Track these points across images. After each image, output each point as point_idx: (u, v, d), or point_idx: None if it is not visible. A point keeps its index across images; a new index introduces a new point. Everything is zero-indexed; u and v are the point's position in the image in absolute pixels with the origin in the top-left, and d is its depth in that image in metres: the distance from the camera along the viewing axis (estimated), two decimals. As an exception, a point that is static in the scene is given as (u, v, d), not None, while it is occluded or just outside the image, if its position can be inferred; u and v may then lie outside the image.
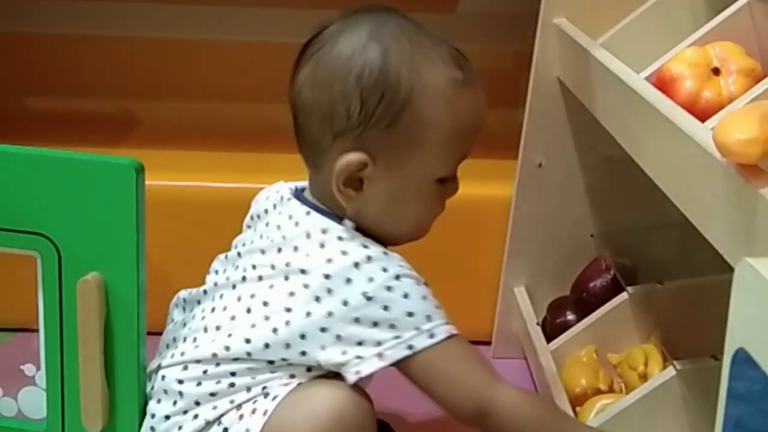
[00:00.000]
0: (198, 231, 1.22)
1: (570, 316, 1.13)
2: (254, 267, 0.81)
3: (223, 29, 1.46)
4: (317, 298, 0.76)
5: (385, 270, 0.76)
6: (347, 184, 0.78)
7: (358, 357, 0.75)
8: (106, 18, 1.45)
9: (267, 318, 0.78)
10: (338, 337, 0.76)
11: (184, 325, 0.85)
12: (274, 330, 0.77)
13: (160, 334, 0.88)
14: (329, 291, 0.76)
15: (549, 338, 1.13)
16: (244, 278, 0.82)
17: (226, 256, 0.87)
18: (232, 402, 0.79)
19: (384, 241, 0.82)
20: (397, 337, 0.75)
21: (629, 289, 1.05)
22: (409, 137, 0.77)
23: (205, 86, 1.49)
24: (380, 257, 0.77)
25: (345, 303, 0.75)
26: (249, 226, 0.89)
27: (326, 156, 0.79)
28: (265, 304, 0.79)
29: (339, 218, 0.80)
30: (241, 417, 0.78)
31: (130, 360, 0.83)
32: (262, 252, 0.82)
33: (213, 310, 0.83)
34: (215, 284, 0.85)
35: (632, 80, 0.82)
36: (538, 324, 1.17)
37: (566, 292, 1.21)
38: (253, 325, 0.79)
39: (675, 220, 0.90)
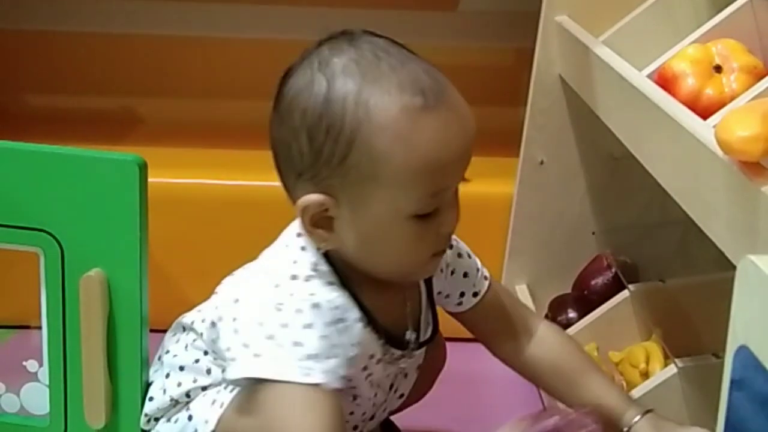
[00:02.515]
0: (200, 228, 1.22)
1: (571, 314, 1.14)
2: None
3: (225, 26, 1.46)
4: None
5: (311, 294, 0.73)
6: (317, 224, 0.73)
7: (233, 359, 0.73)
8: (109, 15, 1.45)
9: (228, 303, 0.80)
10: (235, 331, 0.74)
11: None
12: (217, 310, 0.79)
13: (163, 330, 0.88)
14: (260, 286, 0.76)
15: (550, 336, 1.13)
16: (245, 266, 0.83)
17: None
18: (195, 381, 0.80)
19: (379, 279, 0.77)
20: (274, 358, 0.71)
21: (630, 286, 1.05)
22: (363, 174, 0.70)
23: (207, 83, 1.49)
24: (318, 284, 0.74)
25: (260, 303, 0.74)
26: None
27: (294, 197, 0.74)
28: (235, 286, 0.80)
29: None
30: (203, 407, 0.79)
31: (132, 356, 0.84)
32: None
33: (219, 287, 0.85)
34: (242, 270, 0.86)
35: (634, 78, 0.82)
36: (539, 321, 1.17)
37: (567, 290, 1.21)
38: (216, 308, 0.81)
39: (676, 218, 0.90)
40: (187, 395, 0.81)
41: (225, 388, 0.78)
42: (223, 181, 1.23)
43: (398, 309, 0.81)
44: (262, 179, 1.24)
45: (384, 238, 0.73)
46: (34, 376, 0.87)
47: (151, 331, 0.85)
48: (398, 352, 0.81)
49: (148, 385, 0.86)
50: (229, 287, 0.81)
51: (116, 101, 1.50)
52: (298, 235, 0.77)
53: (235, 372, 0.73)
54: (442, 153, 0.70)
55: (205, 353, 0.81)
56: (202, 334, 0.82)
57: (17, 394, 0.88)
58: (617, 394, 0.83)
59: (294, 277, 0.74)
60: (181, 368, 0.82)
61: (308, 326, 0.71)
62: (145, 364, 0.85)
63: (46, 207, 0.82)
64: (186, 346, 0.83)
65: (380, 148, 0.69)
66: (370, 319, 0.77)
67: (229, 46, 1.47)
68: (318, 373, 0.71)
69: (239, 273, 0.82)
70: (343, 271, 0.76)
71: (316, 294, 0.73)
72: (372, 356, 0.79)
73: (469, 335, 0.89)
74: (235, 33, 1.47)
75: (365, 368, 0.79)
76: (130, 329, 0.83)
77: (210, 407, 0.78)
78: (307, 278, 0.74)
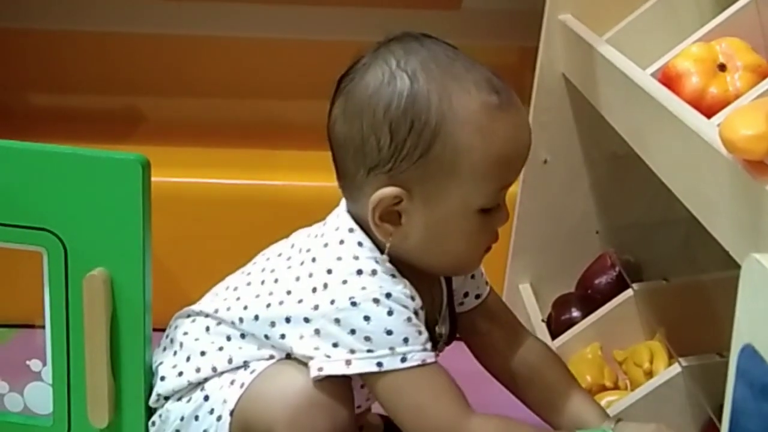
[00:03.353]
0: (203, 227, 1.22)
1: (575, 313, 1.14)
2: (292, 246, 0.83)
3: (228, 26, 1.46)
4: (314, 289, 0.77)
5: (380, 286, 0.75)
6: (384, 218, 0.76)
7: (327, 356, 0.75)
8: (113, 14, 1.45)
9: (270, 294, 0.80)
10: (317, 332, 0.76)
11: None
12: (268, 305, 0.79)
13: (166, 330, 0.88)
14: (325, 286, 0.76)
15: (554, 335, 1.13)
16: (280, 254, 0.84)
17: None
18: (214, 370, 0.80)
19: (427, 272, 0.81)
20: (369, 351, 0.74)
21: (634, 285, 1.05)
22: (443, 168, 0.74)
23: (210, 83, 1.49)
24: (383, 276, 0.76)
25: (332, 302, 0.75)
26: None
27: (362, 191, 0.77)
28: (276, 281, 0.81)
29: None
30: (221, 387, 0.79)
31: (136, 355, 0.84)
32: (307, 235, 0.84)
33: (247, 273, 0.85)
34: (264, 253, 0.86)
35: (638, 76, 0.82)
36: (543, 321, 1.17)
37: (571, 289, 1.21)
38: (257, 296, 0.81)
39: (680, 217, 0.90)
40: (205, 379, 0.81)
41: (245, 369, 0.79)
42: (226, 180, 1.24)
43: (429, 303, 0.83)
44: (266, 178, 1.24)
45: (450, 231, 0.77)
46: (37, 376, 0.87)
47: (155, 330, 0.85)
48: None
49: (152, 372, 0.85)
50: (279, 285, 0.81)
51: (120, 100, 1.50)
52: (351, 230, 0.78)
53: (333, 368, 0.74)
54: (514, 148, 0.75)
55: (228, 338, 0.81)
56: (234, 322, 0.81)
57: (21, 394, 0.88)
58: (596, 411, 0.85)
59: (360, 272, 0.76)
60: (203, 353, 0.82)
61: (390, 313, 0.74)
62: (149, 364, 0.85)
63: (50, 206, 0.82)
64: (207, 329, 0.83)
65: (463, 140, 0.73)
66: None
67: (233, 46, 1.47)
68: (417, 353, 0.74)
69: (277, 265, 0.82)
70: (394, 264, 0.78)
71: (384, 287, 0.75)
72: None
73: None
74: (238, 32, 1.47)
75: None
76: (133, 328, 0.83)
77: (228, 387, 0.79)
78: (372, 272, 0.76)
